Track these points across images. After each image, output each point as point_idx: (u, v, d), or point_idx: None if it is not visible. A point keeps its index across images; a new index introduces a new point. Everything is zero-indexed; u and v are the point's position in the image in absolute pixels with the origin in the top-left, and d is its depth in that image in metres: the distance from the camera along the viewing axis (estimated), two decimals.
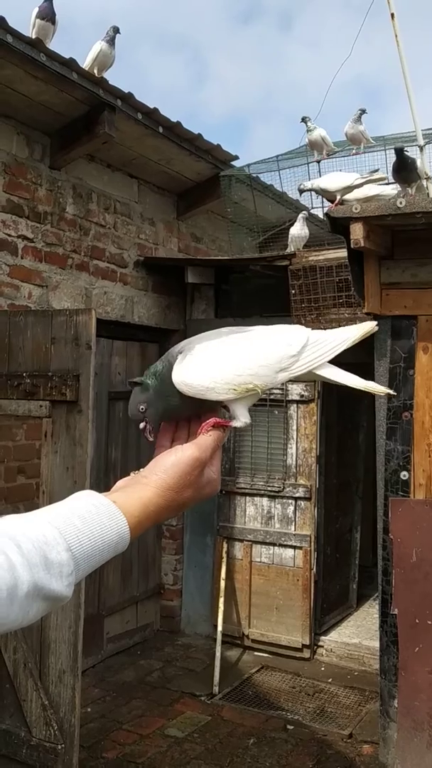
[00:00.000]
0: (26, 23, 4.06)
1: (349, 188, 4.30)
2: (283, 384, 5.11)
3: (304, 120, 4.78)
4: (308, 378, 1.04)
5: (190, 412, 0.98)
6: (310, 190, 4.55)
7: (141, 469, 0.92)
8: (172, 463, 0.90)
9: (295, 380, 1.06)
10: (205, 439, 0.93)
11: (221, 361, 0.95)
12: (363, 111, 4.56)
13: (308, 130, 4.80)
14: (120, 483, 0.92)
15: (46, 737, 3.13)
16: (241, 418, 0.98)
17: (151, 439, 0.99)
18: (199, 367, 0.94)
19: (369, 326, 1.02)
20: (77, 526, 0.78)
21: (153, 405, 0.97)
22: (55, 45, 4.01)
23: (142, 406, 0.98)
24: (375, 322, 1.03)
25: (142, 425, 0.98)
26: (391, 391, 1.03)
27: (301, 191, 4.66)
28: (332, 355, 1.00)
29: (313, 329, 1.03)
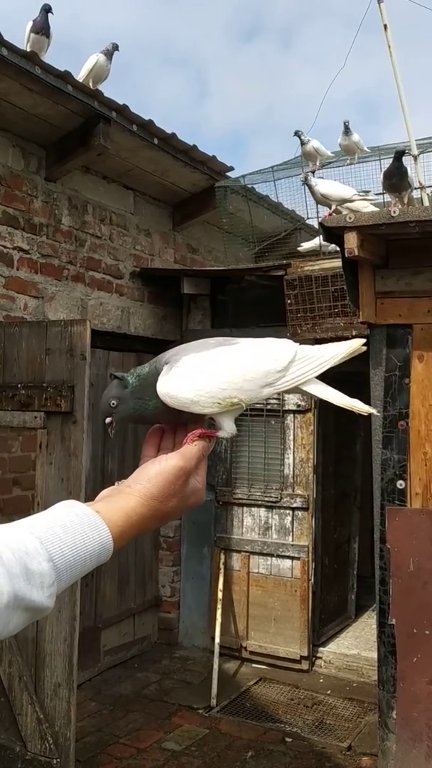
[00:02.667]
0: (20, 37, 4.09)
1: (347, 201, 4.33)
2: (279, 394, 5.11)
3: (296, 134, 4.81)
4: (294, 393, 1.03)
5: (167, 421, 0.98)
6: (310, 186, 4.55)
7: (125, 479, 0.91)
8: (156, 472, 0.89)
9: (281, 393, 1.05)
10: (190, 448, 0.92)
11: (206, 375, 0.94)
12: (346, 122, 4.66)
13: (302, 143, 4.84)
14: (104, 492, 0.91)
15: (41, 751, 3.10)
16: (227, 429, 0.97)
17: (111, 434, 0.98)
18: (185, 379, 0.94)
19: (357, 344, 1.01)
20: (59, 536, 0.77)
21: (125, 403, 0.97)
22: (59, 61, 4.02)
23: (113, 401, 0.97)
24: (363, 341, 1.02)
25: (108, 420, 0.98)
26: (374, 411, 1.01)
27: (304, 183, 4.66)
28: (319, 372, 0.99)
29: (309, 338, 1.02)
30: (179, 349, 0.99)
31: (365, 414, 1.01)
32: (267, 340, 1.02)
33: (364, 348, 1.03)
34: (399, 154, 3.66)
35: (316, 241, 4.72)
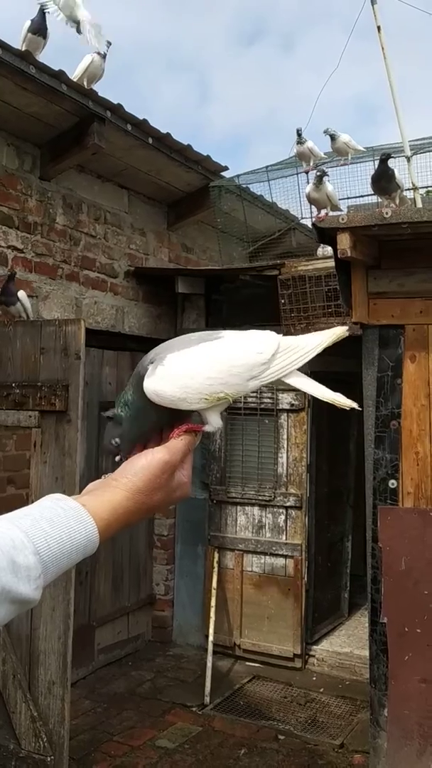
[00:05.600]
0: (17, 39, 4.09)
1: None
2: (273, 393, 5.13)
3: (298, 132, 4.82)
4: (278, 385, 1.04)
5: (163, 422, 0.99)
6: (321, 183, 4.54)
7: (111, 472, 0.93)
8: (142, 466, 0.91)
9: (267, 385, 1.05)
10: (176, 443, 0.94)
11: (192, 372, 0.95)
12: (326, 130, 4.73)
13: (299, 143, 4.85)
14: (90, 486, 0.92)
15: (35, 749, 3.12)
16: (213, 423, 0.98)
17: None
18: (171, 377, 0.95)
19: (340, 331, 1.02)
20: (45, 530, 0.79)
21: (126, 436, 0.99)
22: (60, 63, 4.03)
23: (115, 440, 0.99)
24: (346, 327, 1.03)
25: (117, 459, 0.99)
26: (356, 405, 1.02)
27: (322, 174, 4.66)
28: (303, 362, 1.00)
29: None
30: (163, 347, 1.00)
31: (347, 408, 1.02)
32: (249, 332, 1.03)
33: (347, 333, 1.03)
34: (385, 157, 3.68)
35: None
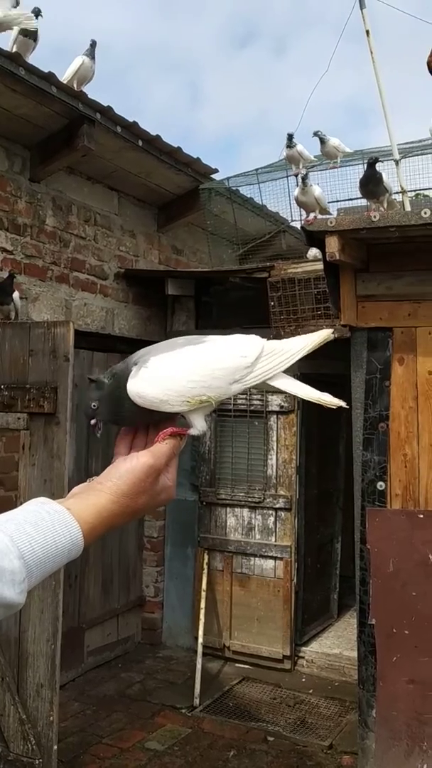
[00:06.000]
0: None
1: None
2: (263, 395, 5.15)
3: (289, 136, 4.84)
4: (269, 387, 1.05)
5: (143, 420, 1.00)
6: (306, 187, 4.55)
7: (96, 476, 0.94)
8: (126, 469, 0.91)
9: (255, 388, 1.06)
10: (161, 447, 0.95)
11: (174, 374, 0.96)
12: (316, 132, 4.77)
13: (289, 146, 4.87)
14: (75, 489, 0.93)
15: (23, 752, 3.11)
16: (198, 426, 0.99)
17: (98, 435, 1.00)
18: (153, 379, 0.95)
19: (325, 334, 1.03)
20: (30, 534, 0.79)
21: (105, 404, 0.99)
22: (52, 66, 4.06)
23: (94, 404, 0.99)
24: (331, 330, 1.04)
25: (92, 422, 1.00)
26: (343, 404, 1.03)
27: (303, 179, 4.68)
28: (288, 365, 1.01)
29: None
30: (148, 349, 1.01)
31: (334, 407, 1.02)
32: (234, 336, 1.04)
33: (332, 336, 1.04)
34: (372, 161, 3.71)
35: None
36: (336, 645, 5.33)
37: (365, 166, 4.65)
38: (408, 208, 4.33)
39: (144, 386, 0.95)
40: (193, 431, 0.99)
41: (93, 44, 4.49)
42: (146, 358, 0.98)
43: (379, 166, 3.84)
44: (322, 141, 4.69)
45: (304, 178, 4.54)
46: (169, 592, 5.63)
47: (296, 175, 4.77)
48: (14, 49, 4.00)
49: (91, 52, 4.48)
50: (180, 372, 0.96)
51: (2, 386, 3.22)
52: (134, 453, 0.95)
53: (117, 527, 0.91)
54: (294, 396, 5.23)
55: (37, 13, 4.19)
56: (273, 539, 5.16)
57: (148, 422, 1.00)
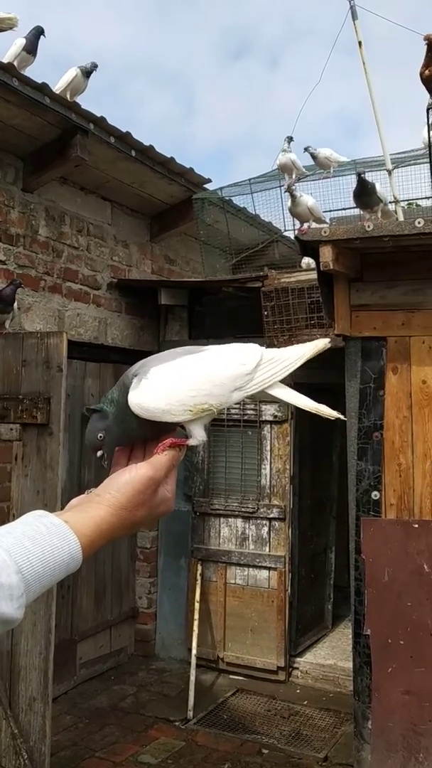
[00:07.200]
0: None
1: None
2: (256, 404, 5.14)
3: (288, 139, 4.86)
4: (263, 397, 1.04)
5: (147, 435, 0.98)
6: (294, 197, 4.57)
7: (94, 488, 0.92)
8: (125, 481, 0.90)
9: (251, 397, 1.06)
10: (160, 458, 0.93)
11: (176, 384, 0.95)
12: (306, 148, 4.84)
13: (282, 151, 4.89)
14: (74, 501, 0.92)
15: (15, 767, 3.07)
16: (198, 436, 0.98)
17: (105, 465, 0.99)
18: (155, 390, 0.95)
19: (321, 343, 1.03)
20: (28, 548, 0.78)
21: (111, 432, 0.98)
22: (48, 78, 4.06)
23: (100, 434, 0.98)
24: (327, 339, 1.04)
25: (99, 453, 0.99)
26: (341, 416, 1.03)
27: (288, 191, 4.70)
28: (286, 373, 1.01)
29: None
30: (147, 360, 1.00)
31: (332, 418, 1.02)
32: (233, 345, 1.04)
33: (329, 345, 1.04)
34: (360, 173, 3.75)
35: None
36: (331, 656, 5.30)
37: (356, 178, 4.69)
38: (401, 217, 4.35)
39: (145, 397, 0.94)
40: (192, 441, 0.98)
41: (94, 65, 4.51)
42: (146, 369, 0.97)
43: (372, 176, 3.87)
44: (314, 156, 4.72)
45: (292, 192, 4.56)
46: (162, 603, 5.60)
47: (285, 191, 4.77)
48: (16, 64, 4.02)
49: (88, 72, 4.50)
50: (181, 381, 0.96)
51: None
52: (133, 464, 0.94)
53: (116, 539, 0.90)
54: (288, 405, 5.25)
55: (40, 32, 4.24)
56: (267, 549, 5.14)
57: (156, 435, 0.99)
